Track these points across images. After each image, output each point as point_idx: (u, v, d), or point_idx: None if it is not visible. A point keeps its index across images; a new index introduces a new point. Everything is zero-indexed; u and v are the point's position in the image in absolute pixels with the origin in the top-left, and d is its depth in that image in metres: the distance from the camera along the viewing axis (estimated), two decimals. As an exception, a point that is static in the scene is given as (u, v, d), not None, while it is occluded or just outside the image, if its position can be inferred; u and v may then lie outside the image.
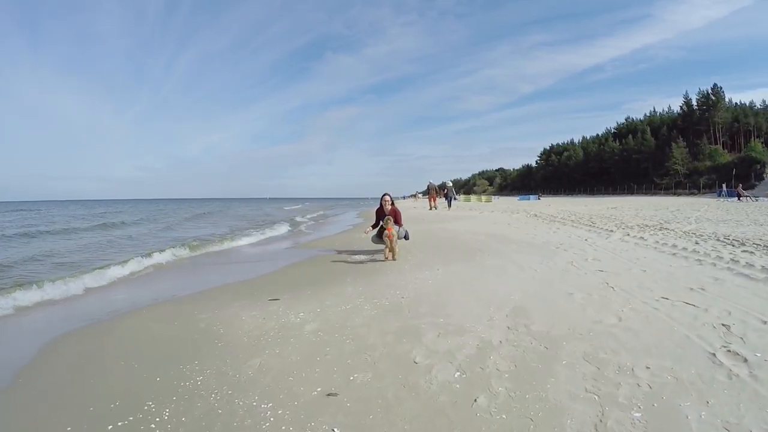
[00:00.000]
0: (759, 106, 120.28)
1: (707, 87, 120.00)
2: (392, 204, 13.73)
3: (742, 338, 4.68)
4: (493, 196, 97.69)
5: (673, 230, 15.93)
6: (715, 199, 53.66)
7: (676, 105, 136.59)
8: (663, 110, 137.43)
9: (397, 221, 13.45)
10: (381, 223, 13.37)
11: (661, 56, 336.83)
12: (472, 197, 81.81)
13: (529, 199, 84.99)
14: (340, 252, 14.33)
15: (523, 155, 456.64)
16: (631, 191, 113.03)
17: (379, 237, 13.60)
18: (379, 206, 13.90)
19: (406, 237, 13.82)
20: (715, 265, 8.58)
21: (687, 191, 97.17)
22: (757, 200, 46.70)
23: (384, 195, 13.81)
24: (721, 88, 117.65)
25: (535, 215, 26.82)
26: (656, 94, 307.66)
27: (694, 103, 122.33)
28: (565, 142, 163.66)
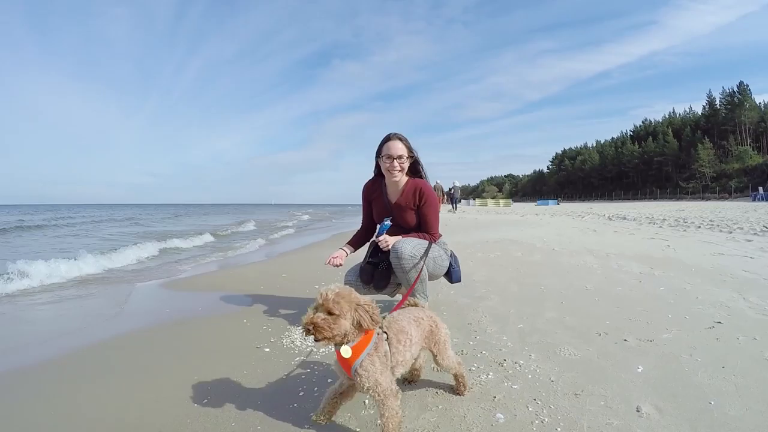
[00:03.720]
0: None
1: (732, 85, 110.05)
2: (418, 171, 4.25)
3: None
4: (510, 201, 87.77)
5: None
6: (760, 203, 44.11)
7: (682, 110, 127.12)
8: (684, 111, 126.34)
9: (427, 225, 4.23)
10: (377, 235, 4.22)
11: (668, 62, 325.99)
12: (489, 201, 72.03)
13: (548, 203, 75.76)
14: (262, 310, 4.82)
15: (531, 162, 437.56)
16: (653, 196, 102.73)
17: (369, 275, 4.09)
18: (371, 180, 4.45)
19: (451, 275, 4.36)
20: None
21: (716, 195, 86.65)
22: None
23: (388, 139, 4.08)
24: (747, 85, 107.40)
25: (623, 217, 17.11)
26: (664, 100, 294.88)
27: (718, 103, 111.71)
28: (578, 146, 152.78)
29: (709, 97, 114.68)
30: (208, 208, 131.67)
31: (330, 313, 2.07)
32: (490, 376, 2.83)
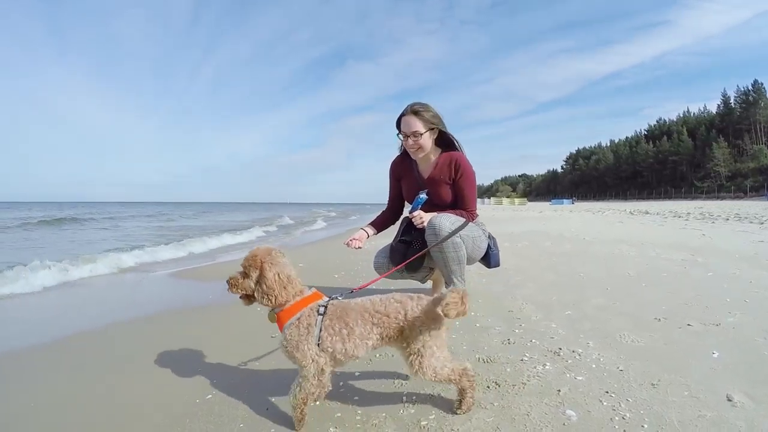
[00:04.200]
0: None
1: (747, 84, 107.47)
2: (450, 143, 3.69)
3: None
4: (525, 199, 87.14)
5: None
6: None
7: (696, 109, 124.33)
8: (699, 110, 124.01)
9: (464, 201, 3.68)
10: (411, 210, 3.71)
11: (680, 62, 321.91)
12: (504, 200, 71.32)
13: (562, 203, 74.71)
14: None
15: (545, 162, 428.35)
16: (668, 195, 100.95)
17: (401, 255, 3.57)
18: (400, 156, 3.91)
19: (489, 258, 3.83)
20: None
21: (731, 194, 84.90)
22: None
23: (403, 114, 3.56)
24: (762, 84, 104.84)
25: (646, 212, 16.51)
26: (677, 99, 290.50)
27: (732, 101, 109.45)
28: (592, 146, 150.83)
29: (723, 96, 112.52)
30: (226, 206, 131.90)
31: (245, 274, 2.07)
32: (547, 367, 2.42)
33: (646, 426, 1.79)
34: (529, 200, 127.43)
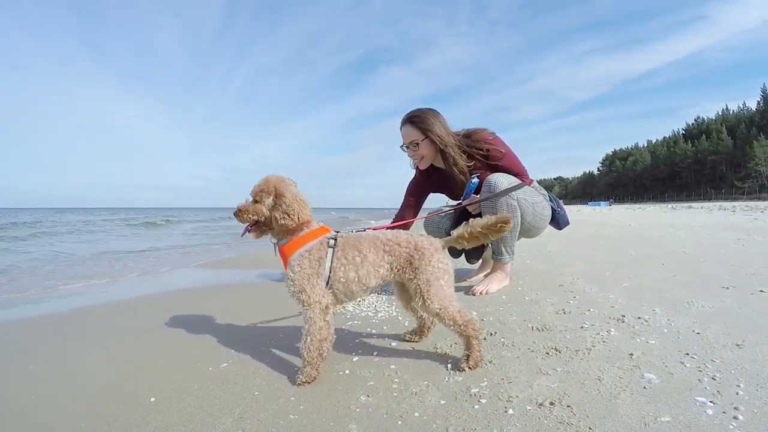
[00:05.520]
0: None
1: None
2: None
3: None
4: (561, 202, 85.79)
5: None
6: None
7: (736, 106, 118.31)
8: (738, 107, 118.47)
9: (513, 171, 3.29)
10: (464, 197, 3.32)
11: (717, 58, 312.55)
12: (540, 202, 70.22)
13: (599, 205, 73.02)
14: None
15: (580, 164, 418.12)
16: (707, 197, 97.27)
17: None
18: (420, 174, 3.61)
19: (558, 220, 3.60)
20: None
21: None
22: None
23: (404, 121, 3.31)
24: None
25: (689, 206, 15.85)
26: (716, 97, 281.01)
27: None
28: (629, 146, 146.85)
29: (763, 92, 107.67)
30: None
31: (255, 201, 1.97)
32: (612, 333, 2.11)
33: (742, 385, 1.48)
34: (565, 203, 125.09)
